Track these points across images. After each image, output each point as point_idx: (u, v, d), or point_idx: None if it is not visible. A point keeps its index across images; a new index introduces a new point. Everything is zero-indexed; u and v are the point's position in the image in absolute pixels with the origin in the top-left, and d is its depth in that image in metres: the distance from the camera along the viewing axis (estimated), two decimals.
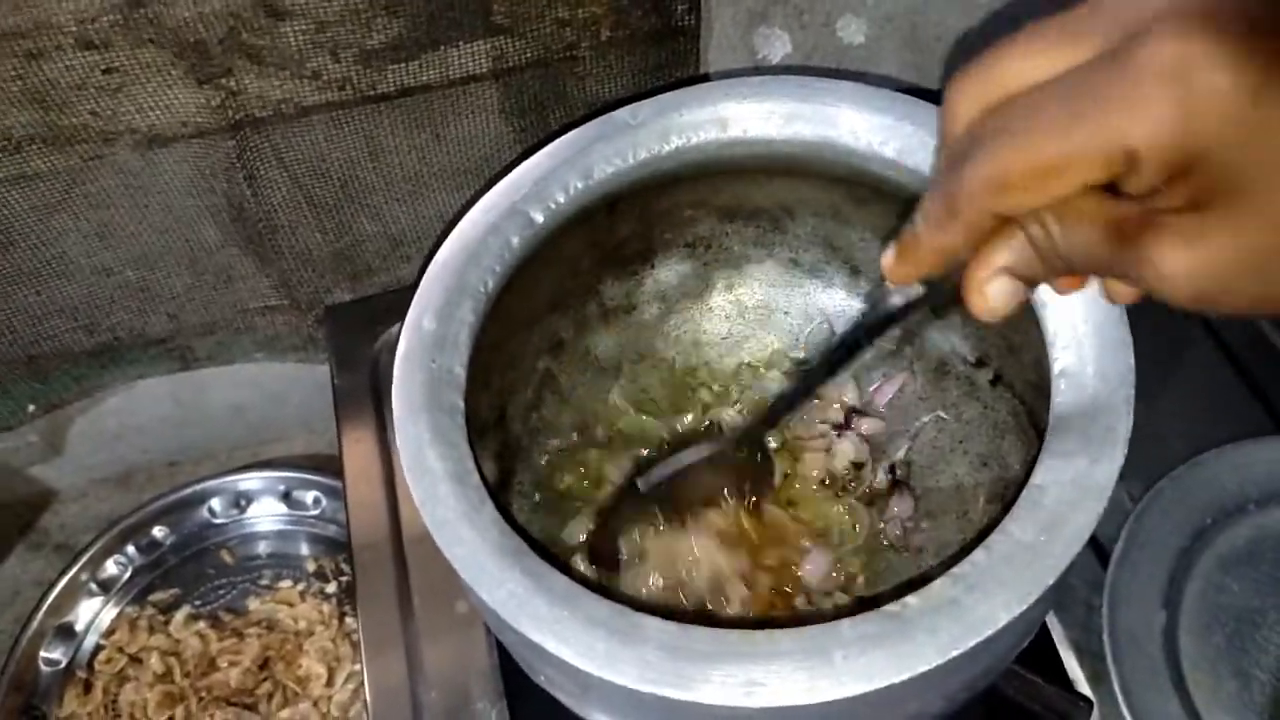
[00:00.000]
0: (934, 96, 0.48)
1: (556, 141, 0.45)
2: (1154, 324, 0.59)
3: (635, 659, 0.34)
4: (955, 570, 0.34)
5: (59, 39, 0.48)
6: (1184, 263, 0.25)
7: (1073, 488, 0.35)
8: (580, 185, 0.45)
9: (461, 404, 0.41)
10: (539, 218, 0.45)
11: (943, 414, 0.51)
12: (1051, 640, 0.50)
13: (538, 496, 0.52)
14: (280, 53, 0.52)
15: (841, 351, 0.48)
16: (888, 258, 0.32)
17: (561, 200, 0.45)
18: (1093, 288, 0.39)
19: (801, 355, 0.55)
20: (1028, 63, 0.27)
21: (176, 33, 0.50)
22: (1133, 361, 0.37)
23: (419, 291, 0.42)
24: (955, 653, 0.32)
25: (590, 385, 0.55)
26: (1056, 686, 0.47)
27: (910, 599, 0.34)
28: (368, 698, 0.53)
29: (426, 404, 0.40)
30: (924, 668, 0.32)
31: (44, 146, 0.53)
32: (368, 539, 0.58)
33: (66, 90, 0.51)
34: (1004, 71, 0.28)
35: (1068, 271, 0.29)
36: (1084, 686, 0.49)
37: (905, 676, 0.32)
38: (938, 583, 0.34)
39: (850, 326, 0.54)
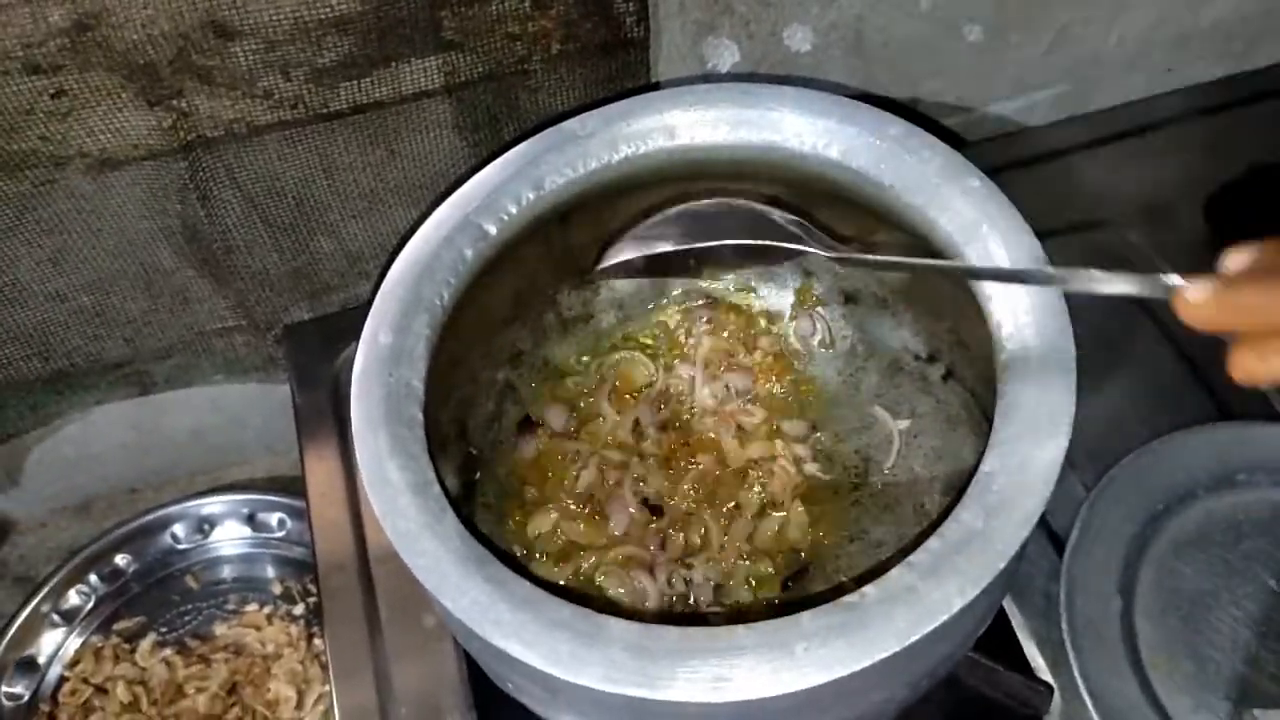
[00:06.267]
0: (880, 101, 0.49)
1: (507, 154, 0.46)
2: (1102, 318, 0.61)
3: (601, 660, 0.34)
4: (911, 559, 0.35)
5: (5, 64, 0.48)
6: None
7: (1020, 473, 0.36)
8: (532, 196, 0.46)
9: (420, 416, 0.41)
10: (492, 229, 0.45)
11: (897, 409, 0.52)
12: (1011, 629, 0.51)
13: (502, 507, 0.52)
14: (231, 73, 0.52)
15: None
16: (1194, 293, 0.32)
17: (514, 211, 0.45)
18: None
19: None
20: None
21: (126, 55, 0.50)
22: (1074, 350, 0.38)
23: (374, 306, 0.43)
24: (913, 639, 0.33)
25: (549, 394, 0.55)
26: (1017, 673, 0.48)
27: (868, 589, 0.35)
28: (337, 718, 0.52)
29: (385, 417, 0.40)
30: (883, 655, 0.33)
31: None
32: (333, 558, 0.58)
33: (14, 115, 0.50)
34: None
35: None
36: (1045, 673, 0.50)
37: (865, 664, 0.33)
38: (894, 571, 0.35)
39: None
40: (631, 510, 0.51)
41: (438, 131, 0.58)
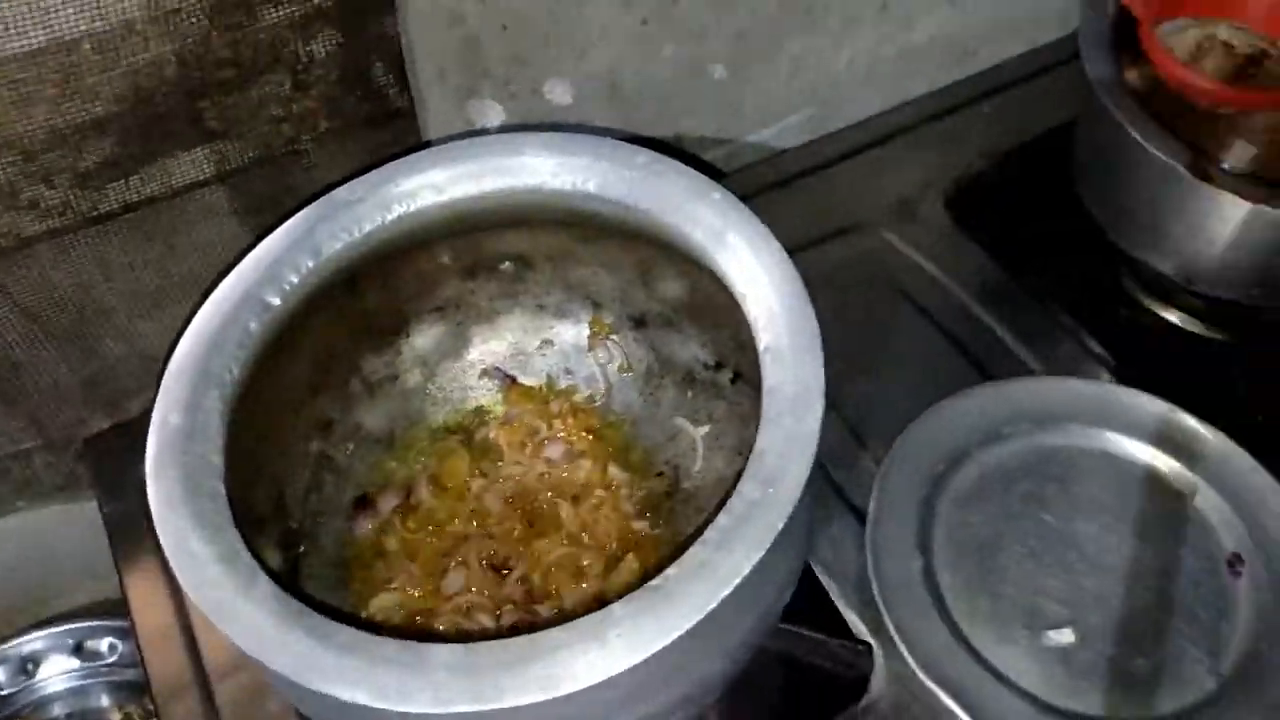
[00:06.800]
0: (645, 141, 0.53)
1: (280, 227, 0.47)
2: (867, 309, 0.67)
3: (427, 685, 0.36)
4: (704, 536, 0.38)
5: None
6: None
7: (786, 444, 0.39)
8: (311, 264, 0.47)
9: (222, 490, 0.41)
10: (275, 300, 0.46)
11: (696, 417, 0.56)
12: (830, 601, 0.55)
13: (332, 576, 0.52)
14: None
15: None
16: None
17: (295, 281, 0.47)
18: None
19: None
20: None
21: None
22: (818, 331, 0.42)
23: (161, 390, 0.43)
24: (711, 606, 0.36)
25: (366, 459, 0.56)
26: (838, 639, 0.52)
27: (669, 570, 0.38)
28: None
29: (184, 494, 0.40)
30: (688, 626, 0.36)
31: None
32: (166, 672, 0.56)
33: None
34: None
35: None
36: (866, 636, 0.54)
37: (672, 638, 0.36)
38: (691, 550, 0.38)
39: None
40: (475, 572, 0.52)
41: (217, 220, 0.59)
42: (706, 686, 0.43)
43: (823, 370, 0.41)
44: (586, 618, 0.36)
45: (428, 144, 0.63)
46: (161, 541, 0.39)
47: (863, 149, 0.76)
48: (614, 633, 0.36)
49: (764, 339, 0.43)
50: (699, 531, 0.51)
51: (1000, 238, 0.70)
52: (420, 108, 0.61)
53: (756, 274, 0.44)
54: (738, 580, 0.36)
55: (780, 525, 0.37)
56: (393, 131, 0.60)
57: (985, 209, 0.72)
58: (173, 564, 0.38)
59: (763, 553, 0.37)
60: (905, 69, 0.78)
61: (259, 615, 0.37)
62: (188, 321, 0.45)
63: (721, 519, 0.38)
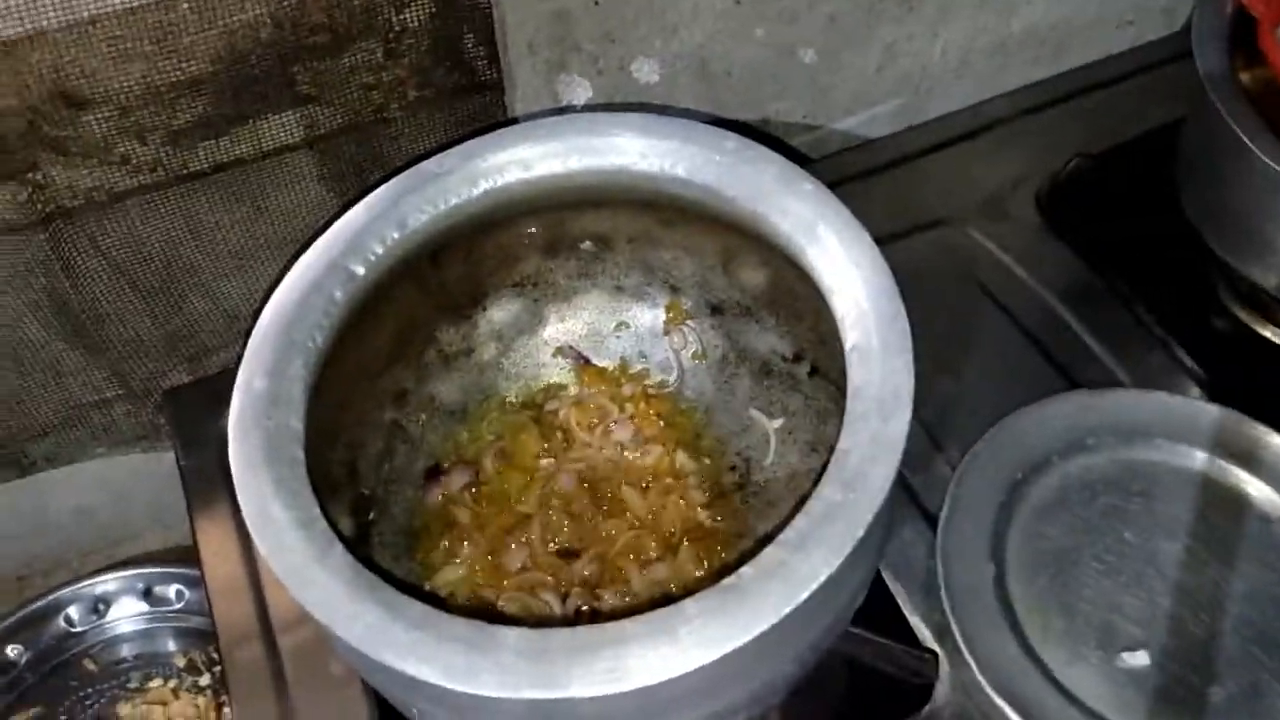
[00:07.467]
0: (732, 124, 0.52)
1: (368, 197, 0.47)
2: (951, 309, 0.66)
3: (496, 667, 0.35)
4: (781, 537, 0.37)
5: None
6: None
7: (871, 446, 0.38)
8: (396, 236, 0.47)
9: (302, 456, 0.41)
10: (360, 271, 0.46)
11: (770, 410, 0.55)
12: (897, 606, 0.54)
13: (401, 544, 0.53)
14: (85, 141, 0.52)
15: None
16: None
17: (380, 252, 0.47)
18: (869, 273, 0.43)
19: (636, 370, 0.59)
20: None
21: None
22: (909, 332, 0.41)
23: (246, 354, 0.43)
24: (787, 610, 0.35)
25: (439, 430, 0.56)
26: (904, 645, 0.51)
27: (745, 570, 0.37)
28: None
29: (266, 459, 0.40)
30: (761, 629, 0.35)
31: None
32: (232, 622, 0.57)
33: None
34: None
35: None
36: (932, 643, 0.53)
37: (744, 640, 0.35)
38: (767, 551, 0.37)
39: None
40: (540, 550, 0.52)
41: (303, 184, 0.59)
42: (772, 687, 0.42)
43: (912, 373, 0.40)
44: (658, 612, 0.36)
45: (514, 119, 0.62)
46: (241, 505, 0.39)
47: (953, 142, 0.74)
48: (685, 629, 0.35)
49: (851, 337, 0.42)
50: (771, 526, 0.51)
51: (1092, 240, 0.68)
52: (508, 81, 0.60)
53: (847, 270, 0.43)
54: (815, 585, 0.35)
55: (861, 532, 0.36)
56: (480, 104, 0.60)
57: (1078, 210, 0.70)
58: (251, 528, 0.39)
59: (842, 558, 0.36)
60: (1001, 61, 0.76)
61: (333, 584, 0.37)
62: (274, 287, 0.45)
63: (800, 520, 0.38)
